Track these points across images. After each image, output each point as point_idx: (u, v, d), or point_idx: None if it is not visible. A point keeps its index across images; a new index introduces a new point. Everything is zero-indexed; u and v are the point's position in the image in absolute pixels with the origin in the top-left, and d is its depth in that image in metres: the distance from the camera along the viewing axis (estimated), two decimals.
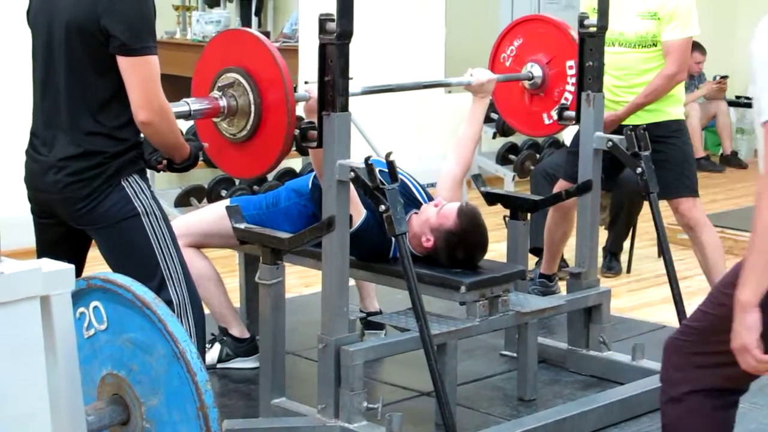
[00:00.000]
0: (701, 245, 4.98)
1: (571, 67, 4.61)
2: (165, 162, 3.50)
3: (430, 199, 4.32)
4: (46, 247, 3.49)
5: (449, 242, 4.09)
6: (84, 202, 3.36)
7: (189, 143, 3.51)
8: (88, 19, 3.30)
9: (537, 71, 4.70)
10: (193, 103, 3.65)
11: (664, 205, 4.71)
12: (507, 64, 4.80)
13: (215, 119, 3.75)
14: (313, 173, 4.26)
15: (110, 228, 3.38)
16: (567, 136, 6.23)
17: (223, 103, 3.67)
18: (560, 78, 4.68)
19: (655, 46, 4.97)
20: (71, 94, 3.36)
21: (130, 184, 3.39)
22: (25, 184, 3.50)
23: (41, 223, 3.52)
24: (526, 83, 4.74)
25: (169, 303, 3.22)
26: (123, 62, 3.30)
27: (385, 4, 8.15)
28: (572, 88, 4.61)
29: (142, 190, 3.41)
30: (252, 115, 3.66)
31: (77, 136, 3.36)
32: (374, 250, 4.11)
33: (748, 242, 2.67)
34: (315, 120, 3.62)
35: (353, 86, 3.99)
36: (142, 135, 3.44)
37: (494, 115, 7.77)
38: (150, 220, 3.40)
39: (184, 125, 4.75)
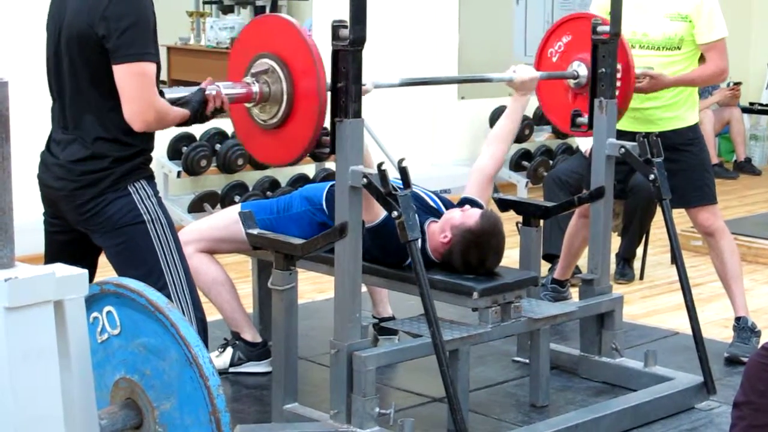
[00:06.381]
0: (719, 251, 4.95)
1: (618, 71, 4.47)
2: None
3: (447, 206, 4.32)
4: (55, 250, 3.50)
5: (465, 239, 4.08)
6: (89, 204, 3.37)
7: (186, 105, 3.44)
8: (85, 29, 3.31)
9: (583, 71, 4.56)
10: (225, 88, 3.57)
11: (677, 212, 4.70)
12: (554, 59, 4.69)
13: (247, 105, 3.71)
14: (329, 184, 4.26)
15: (115, 233, 3.39)
16: (580, 141, 6.21)
17: (255, 89, 3.62)
18: None
19: (679, 49, 4.90)
20: (75, 101, 3.39)
21: (137, 189, 3.40)
22: (37, 179, 3.52)
23: (51, 224, 3.54)
24: (571, 82, 4.63)
25: None
26: (115, 71, 3.29)
27: (399, 9, 8.15)
28: (616, 92, 4.50)
29: (149, 197, 3.42)
30: (284, 103, 3.62)
31: (85, 140, 3.38)
32: (394, 250, 4.10)
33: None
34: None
35: (391, 78, 3.99)
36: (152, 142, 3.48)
37: None
38: (155, 228, 3.41)
39: None
